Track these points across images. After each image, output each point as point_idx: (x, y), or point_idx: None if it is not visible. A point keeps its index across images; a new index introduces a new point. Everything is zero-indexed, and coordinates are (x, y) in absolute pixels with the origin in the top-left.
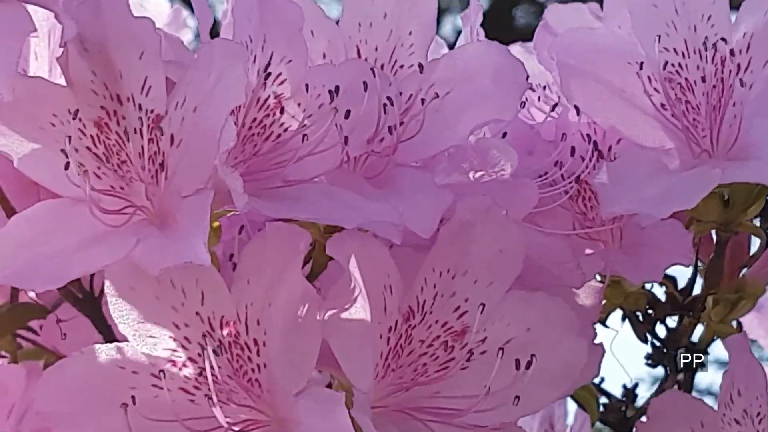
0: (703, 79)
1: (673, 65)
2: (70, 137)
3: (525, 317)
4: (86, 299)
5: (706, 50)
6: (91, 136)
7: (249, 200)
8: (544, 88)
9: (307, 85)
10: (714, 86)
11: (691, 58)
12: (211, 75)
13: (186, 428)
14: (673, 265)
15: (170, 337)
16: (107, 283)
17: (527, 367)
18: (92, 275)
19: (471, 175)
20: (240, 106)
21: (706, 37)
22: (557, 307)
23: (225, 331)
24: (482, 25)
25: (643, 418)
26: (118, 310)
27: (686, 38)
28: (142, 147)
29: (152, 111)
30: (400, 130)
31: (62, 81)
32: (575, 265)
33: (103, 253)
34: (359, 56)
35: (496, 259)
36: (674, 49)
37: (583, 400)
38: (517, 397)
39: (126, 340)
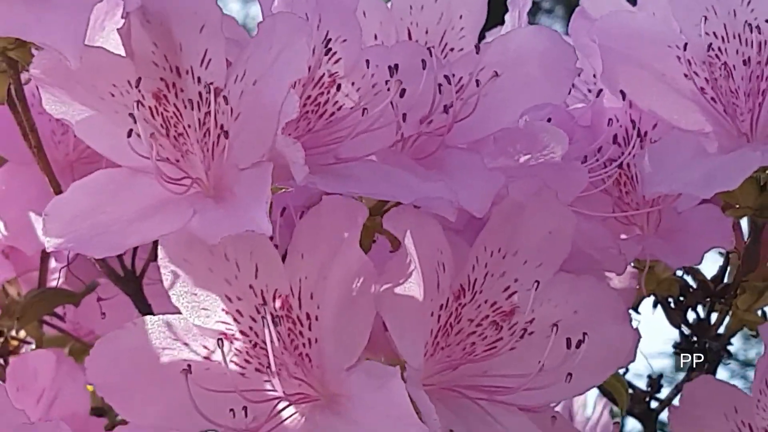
0: (744, 63)
1: (713, 49)
2: (138, 103)
3: (572, 300)
4: (128, 278)
5: (750, 32)
6: (150, 108)
7: (307, 174)
8: (578, 74)
9: (368, 61)
10: (754, 70)
11: (731, 43)
12: (272, 48)
13: (243, 399)
14: (714, 248)
15: (223, 309)
16: (161, 254)
17: (578, 346)
18: (134, 254)
19: (519, 158)
20: (296, 83)
21: (747, 21)
22: (604, 291)
23: (278, 305)
24: None
25: (676, 403)
26: (171, 281)
27: (726, 23)
28: (200, 120)
29: (211, 84)
30: (454, 112)
31: (119, 51)
32: (617, 250)
33: (160, 223)
34: (410, 38)
35: (545, 241)
36: (714, 33)
37: (613, 389)
38: (569, 374)
39: (172, 313)
